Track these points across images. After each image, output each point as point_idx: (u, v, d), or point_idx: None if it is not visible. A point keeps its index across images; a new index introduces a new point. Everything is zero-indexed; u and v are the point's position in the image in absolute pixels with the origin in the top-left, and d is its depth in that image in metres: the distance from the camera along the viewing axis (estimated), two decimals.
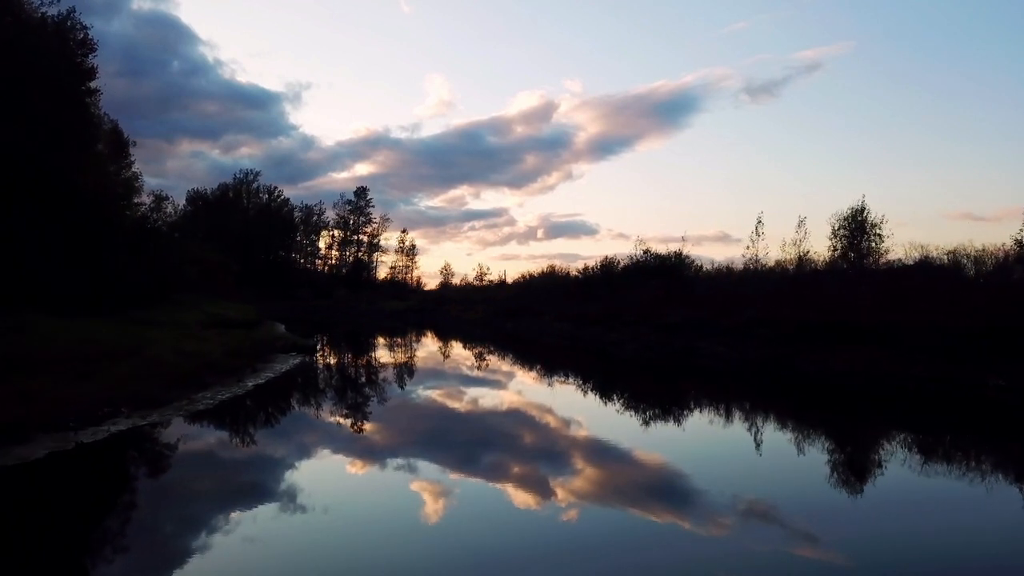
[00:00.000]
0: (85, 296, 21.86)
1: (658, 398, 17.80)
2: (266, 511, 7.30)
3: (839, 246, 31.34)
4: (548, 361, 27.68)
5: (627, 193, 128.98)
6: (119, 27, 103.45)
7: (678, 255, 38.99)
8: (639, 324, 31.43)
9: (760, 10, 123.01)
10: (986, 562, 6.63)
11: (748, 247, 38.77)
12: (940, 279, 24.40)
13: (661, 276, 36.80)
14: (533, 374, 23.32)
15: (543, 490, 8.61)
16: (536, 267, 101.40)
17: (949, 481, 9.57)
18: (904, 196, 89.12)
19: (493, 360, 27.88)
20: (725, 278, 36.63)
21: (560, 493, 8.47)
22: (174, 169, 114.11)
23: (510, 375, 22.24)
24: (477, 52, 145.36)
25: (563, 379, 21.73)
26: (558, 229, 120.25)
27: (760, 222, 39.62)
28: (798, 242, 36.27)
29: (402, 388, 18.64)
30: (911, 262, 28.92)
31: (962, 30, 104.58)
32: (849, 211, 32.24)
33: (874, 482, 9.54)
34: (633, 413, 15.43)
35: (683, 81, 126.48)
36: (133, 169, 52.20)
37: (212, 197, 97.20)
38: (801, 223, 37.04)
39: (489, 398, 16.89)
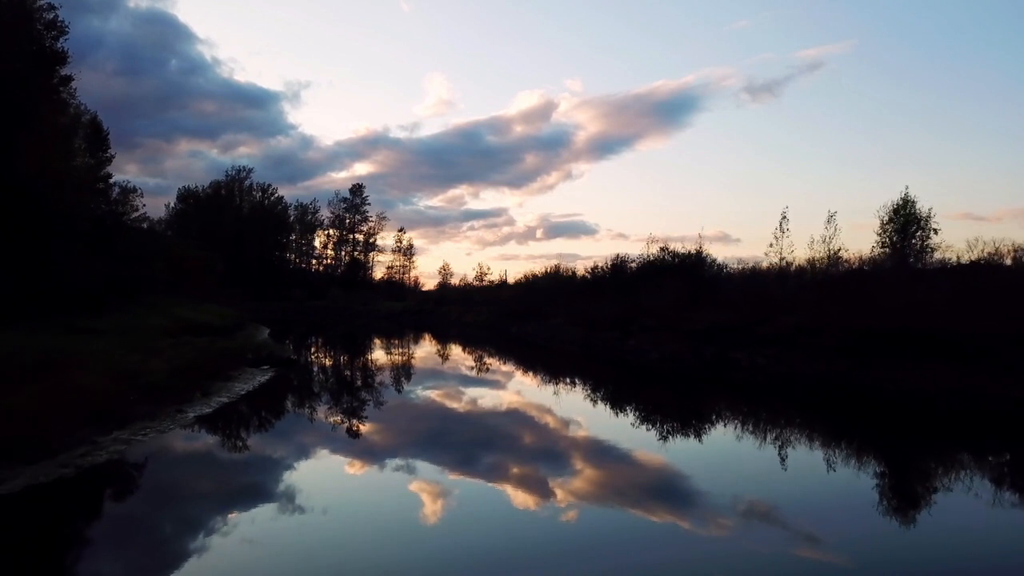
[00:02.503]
0: (14, 299, 18.54)
1: (716, 427, 14.45)
2: None
3: (888, 242, 27.93)
4: (567, 372, 24.30)
5: (627, 193, 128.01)
6: (116, 25, 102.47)
7: (698, 253, 35.62)
8: (660, 330, 28.08)
9: (761, 9, 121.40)
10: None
11: (771, 244, 35.43)
12: (1015, 280, 21.10)
13: (680, 276, 33.41)
14: (555, 390, 19.87)
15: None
16: (536, 267, 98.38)
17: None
18: (903, 195, 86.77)
19: (505, 372, 24.54)
20: (751, 278, 33.28)
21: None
22: (173, 169, 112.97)
23: (528, 391, 18.89)
24: (477, 51, 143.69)
25: (593, 397, 18.42)
26: (557, 229, 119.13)
27: (785, 218, 36.24)
28: (827, 239, 33.03)
29: (397, 421, 15.29)
30: (967, 261, 25.70)
31: (963, 30, 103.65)
32: (896, 203, 28.91)
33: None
34: (700, 455, 12.08)
35: (683, 80, 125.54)
36: (110, 165, 49.36)
37: (203, 195, 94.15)
38: (831, 218, 33.70)
39: (517, 430, 13.56)
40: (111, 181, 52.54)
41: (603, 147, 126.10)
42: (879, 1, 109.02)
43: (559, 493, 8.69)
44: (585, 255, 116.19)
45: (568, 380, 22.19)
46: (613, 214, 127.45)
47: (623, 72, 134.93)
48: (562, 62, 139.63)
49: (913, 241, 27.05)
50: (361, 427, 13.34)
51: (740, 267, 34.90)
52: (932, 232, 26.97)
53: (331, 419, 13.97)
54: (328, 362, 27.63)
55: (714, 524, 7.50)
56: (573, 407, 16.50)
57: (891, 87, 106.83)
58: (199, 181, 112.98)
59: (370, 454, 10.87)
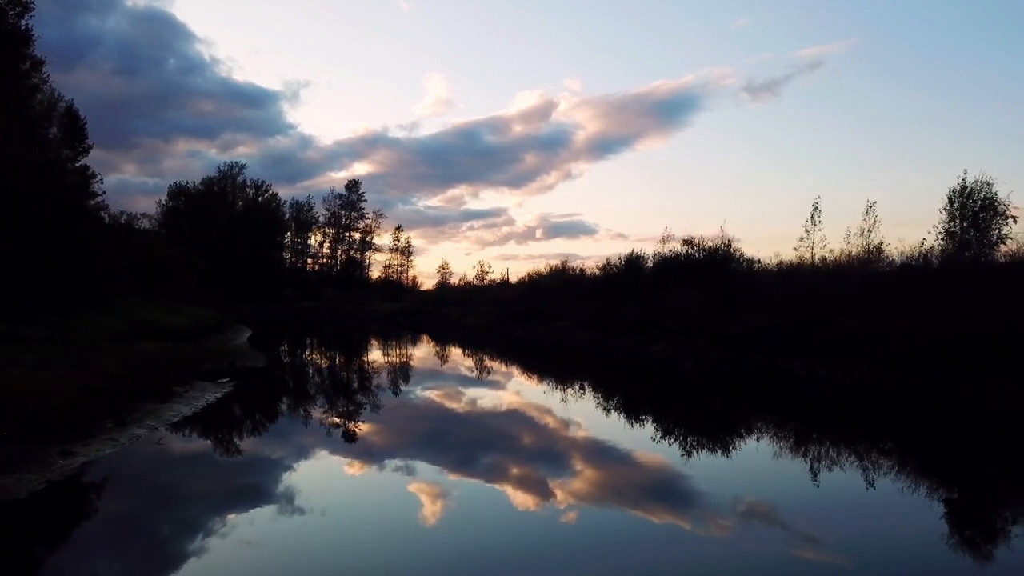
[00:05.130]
0: None
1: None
2: None
3: (947, 232, 24.36)
4: (592, 385, 20.61)
5: (626, 193, 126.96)
6: (114, 24, 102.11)
7: (727, 247, 31.95)
8: (690, 334, 24.47)
9: (761, 8, 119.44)
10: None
11: (802, 239, 31.83)
12: None
13: (708, 274, 29.80)
14: (587, 412, 16.11)
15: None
16: (537, 267, 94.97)
17: None
18: (904, 196, 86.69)
19: (517, 386, 20.95)
20: (785, 276, 29.64)
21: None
22: (171, 169, 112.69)
23: (557, 414, 15.29)
24: (476, 51, 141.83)
25: (642, 423, 14.81)
26: (557, 229, 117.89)
27: (817, 208, 32.59)
28: (866, 232, 29.41)
29: (378, 475, 11.66)
30: None
31: (963, 30, 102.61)
32: (952, 190, 25.38)
33: None
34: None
35: (683, 80, 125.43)
36: (88, 156, 45.74)
37: (195, 192, 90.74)
38: (870, 209, 30.09)
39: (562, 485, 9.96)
40: (89, 173, 49.19)
41: (602, 147, 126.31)
42: (879, 1, 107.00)
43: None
44: (584, 255, 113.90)
45: (594, 394, 18.60)
46: (613, 214, 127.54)
47: (622, 72, 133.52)
48: (561, 62, 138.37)
49: (990, 230, 23.46)
50: (327, 480, 9.72)
51: (776, 262, 31.18)
52: (1011, 220, 23.37)
53: (286, 465, 10.33)
54: (303, 373, 23.90)
55: None
56: (626, 441, 12.85)
57: (891, 87, 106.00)
58: (197, 181, 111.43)
59: (329, 535, 7.29)
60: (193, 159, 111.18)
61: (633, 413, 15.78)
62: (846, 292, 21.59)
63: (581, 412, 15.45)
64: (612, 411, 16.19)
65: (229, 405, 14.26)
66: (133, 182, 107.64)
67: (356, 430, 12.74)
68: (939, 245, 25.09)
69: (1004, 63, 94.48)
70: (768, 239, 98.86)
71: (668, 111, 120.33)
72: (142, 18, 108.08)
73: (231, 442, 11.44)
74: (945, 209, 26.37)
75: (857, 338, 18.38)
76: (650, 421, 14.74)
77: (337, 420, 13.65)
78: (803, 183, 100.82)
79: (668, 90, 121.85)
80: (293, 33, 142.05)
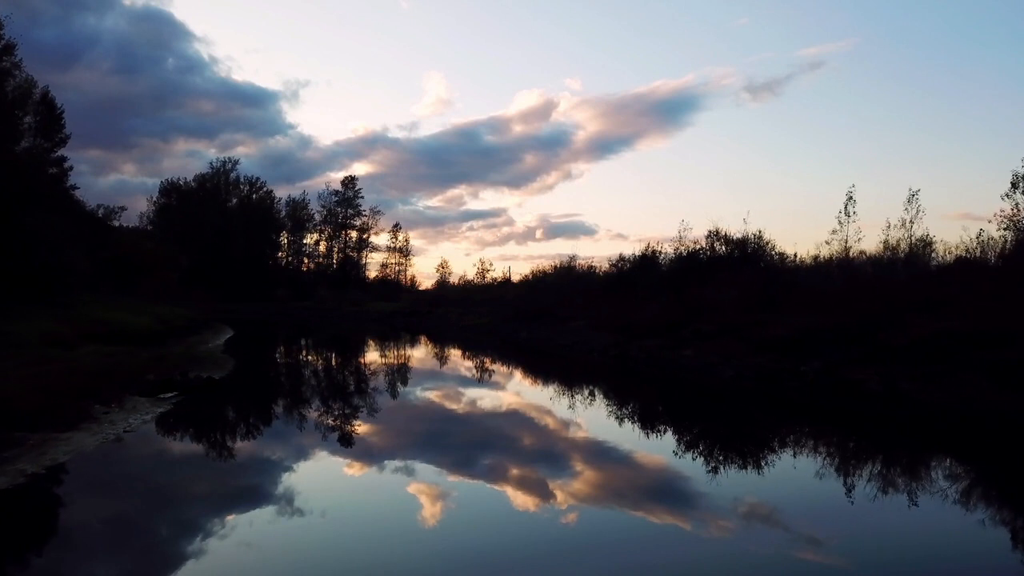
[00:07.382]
0: None
1: None
2: None
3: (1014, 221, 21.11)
4: (630, 399, 17.36)
5: (627, 193, 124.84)
6: (112, 23, 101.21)
7: (758, 239, 28.68)
8: (725, 337, 21.22)
9: (761, 7, 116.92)
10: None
11: (834, 231, 28.68)
12: None
13: (737, 270, 26.59)
14: (643, 440, 12.79)
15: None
16: (538, 266, 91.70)
17: None
18: (904, 196, 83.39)
19: (545, 409, 17.67)
20: (819, 271, 26.39)
21: None
22: (170, 169, 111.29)
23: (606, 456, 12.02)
24: (476, 50, 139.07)
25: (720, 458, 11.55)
26: (557, 229, 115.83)
27: (851, 199, 29.46)
28: (907, 223, 26.22)
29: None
30: None
31: (965, 29, 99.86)
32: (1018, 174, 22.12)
33: None
34: None
35: (683, 80, 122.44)
36: (65, 146, 42.75)
37: (187, 189, 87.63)
38: (912, 198, 27.03)
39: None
40: (67, 166, 45.90)
41: (603, 147, 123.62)
42: (879, 1, 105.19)
43: None
44: (585, 255, 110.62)
45: (629, 413, 15.32)
46: (612, 214, 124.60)
47: (623, 71, 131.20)
48: (562, 61, 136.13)
49: None
50: (272, 559, 6.43)
51: (812, 256, 27.91)
52: None
53: (210, 531, 7.05)
54: (272, 388, 19.08)
55: None
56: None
57: (891, 87, 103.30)
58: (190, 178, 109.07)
59: None
60: (192, 159, 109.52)
61: (693, 439, 12.51)
62: (915, 288, 18.36)
63: (635, 440, 12.16)
64: (674, 438, 12.91)
65: (155, 434, 10.90)
66: (132, 182, 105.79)
67: (312, 508, 9.45)
68: (1003, 235, 21.89)
69: (1004, 63, 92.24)
70: (768, 238, 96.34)
71: (668, 111, 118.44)
72: (140, 17, 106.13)
73: (136, 495, 8.11)
74: (1008, 195, 23.17)
75: (943, 342, 15.14)
76: (718, 451, 11.47)
77: (299, 472, 9.99)
78: (803, 183, 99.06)
79: (669, 90, 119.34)
80: (293, 33, 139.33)
